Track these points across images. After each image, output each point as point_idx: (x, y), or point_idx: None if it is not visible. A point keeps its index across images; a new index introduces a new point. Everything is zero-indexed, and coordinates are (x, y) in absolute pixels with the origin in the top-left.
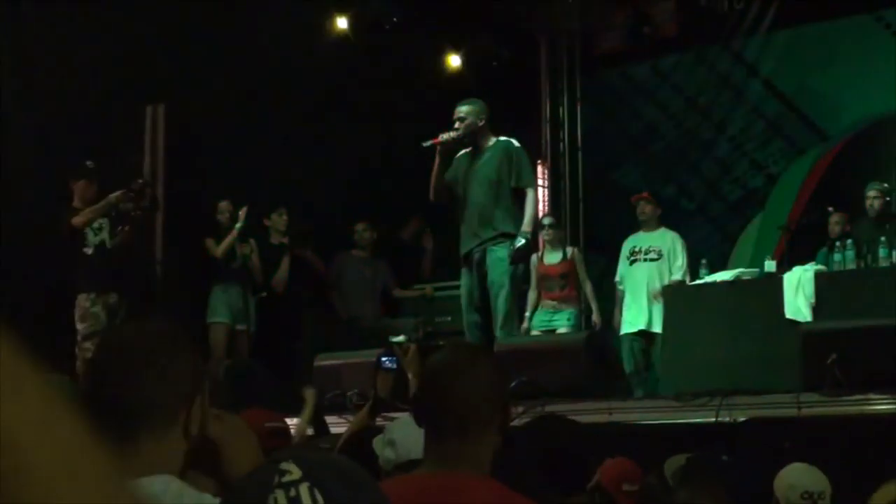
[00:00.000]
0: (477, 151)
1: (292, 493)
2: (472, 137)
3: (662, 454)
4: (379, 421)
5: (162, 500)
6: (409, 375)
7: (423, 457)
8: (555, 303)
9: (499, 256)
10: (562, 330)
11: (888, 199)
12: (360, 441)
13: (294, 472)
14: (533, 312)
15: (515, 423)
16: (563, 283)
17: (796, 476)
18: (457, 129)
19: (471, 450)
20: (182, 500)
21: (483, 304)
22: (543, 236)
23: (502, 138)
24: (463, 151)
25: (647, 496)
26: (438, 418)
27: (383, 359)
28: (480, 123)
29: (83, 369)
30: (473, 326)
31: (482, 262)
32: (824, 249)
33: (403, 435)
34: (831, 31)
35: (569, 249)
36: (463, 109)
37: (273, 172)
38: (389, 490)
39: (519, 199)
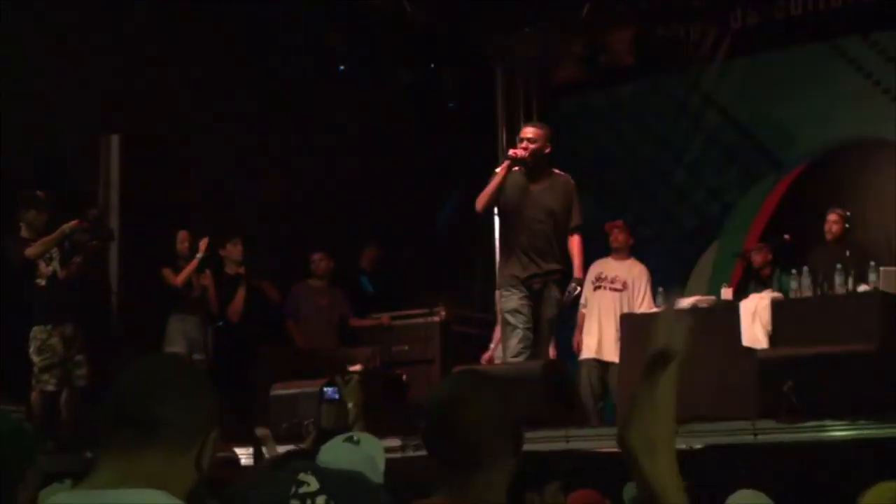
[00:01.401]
0: (535, 176)
1: None
2: (534, 161)
3: (620, 482)
4: None
5: None
6: (350, 405)
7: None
8: None
9: (556, 295)
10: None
11: (846, 225)
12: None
13: (311, 483)
14: (498, 343)
15: None
16: None
17: (742, 502)
18: (525, 150)
19: (483, 480)
20: None
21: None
22: None
23: (560, 172)
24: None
25: None
26: (446, 450)
27: (326, 389)
28: (547, 150)
29: (39, 401)
30: (528, 342)
31: (541, 292)
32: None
33: (332, 458)
34: (787, 60)
35: None
36: (531, 131)
37: (229, 202)
38: None
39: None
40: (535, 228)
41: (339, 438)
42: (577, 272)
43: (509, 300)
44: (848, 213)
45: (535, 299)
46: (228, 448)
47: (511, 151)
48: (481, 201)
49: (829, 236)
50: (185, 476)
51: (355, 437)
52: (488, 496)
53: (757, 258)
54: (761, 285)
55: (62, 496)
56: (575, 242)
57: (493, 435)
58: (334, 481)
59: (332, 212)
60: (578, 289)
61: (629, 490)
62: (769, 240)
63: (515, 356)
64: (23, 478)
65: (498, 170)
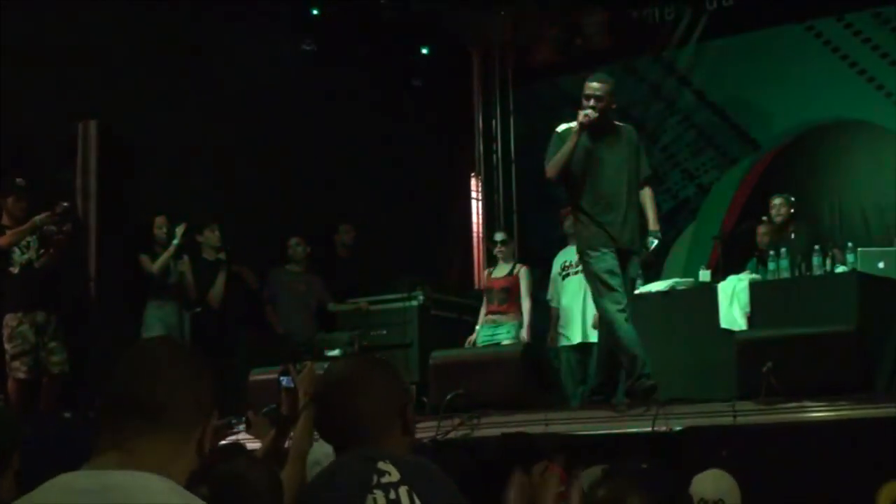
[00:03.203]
0: (602, 133)
1: (392, 495)
2: (602, 117)
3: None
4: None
5: (149, 495)
6: (300, 392)
7: None
8: (496, 316)
9: (638, 259)
10: (504, 342)
11: (792, 210)
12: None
13: (392, 473)
14: (482, 325)
15: (452, 434)
16: (504, 297)
17: (700, 483)
18: (594, 108)
19: None
20: (171, 498)
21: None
22: (496, 252)
23: (622, 124)
24: (570, 127)
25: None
26: (338, 431)
27: (281, 378)
28: (613, 106)
29: (14, 389)
30: (625, 306)
31: (628, 257)
32: (753, 259)
33: (326, 452)
34: (762, 41)
35: (517, 265)
36: (598, 87)
37: (206, 188)
38: None
39: None
40: (613, 189)
41: None
42: (652, 225)
43: (602, 260)
44: (792, 199)
45: (626, 261)
46: None
47: (582, 115)
48: (554, 169)
49: (778, 219)
50: (187, 461)
51: None
52: None
53: (764, 239)
54: (764, 266)
55: (67, 476)
56: (647, 194)
57: (379, 416)
58: (414, 472)
59: (309, 197)
60: (656, 241)
61: (589, 475)
62: (746, 221)
63: (611, 322)
64: (9, 460)
65: (561, 128)
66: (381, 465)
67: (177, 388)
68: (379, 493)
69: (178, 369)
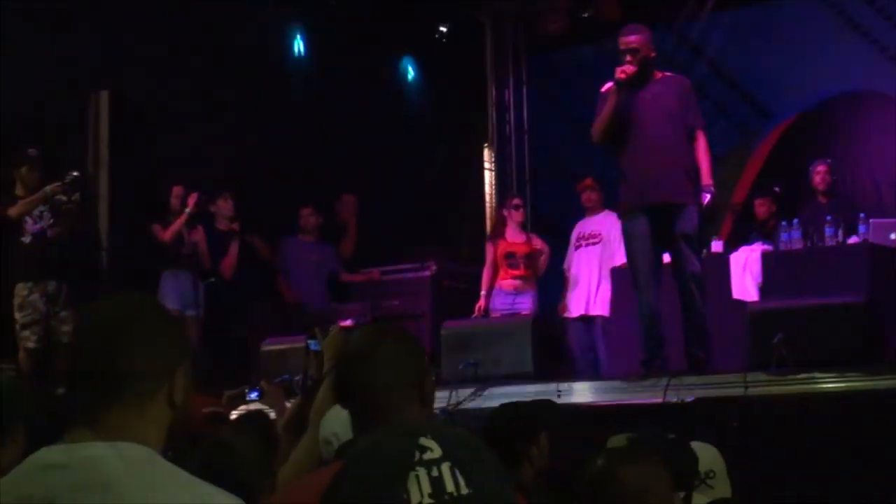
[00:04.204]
0: (645, 83)
1: (434, 472)
2: (642, 69)
3: (608, 434)
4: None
5: (126, 465)
6: (325, 357)
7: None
8: (518, 282)
9: (692, 209)
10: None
11: (834, 177)
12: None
13: (434, 449)
14: (489, 291)
15: (464, 405)
16: (528, 262)
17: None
18: (631, 63)
19: None
20: (142, 468)
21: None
22: (516, 215)
23: (672, 74)
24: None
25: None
26: (358, 399)
27: (309, 342)
28: (653, 55)
29: (25, 359)
30: (654, 276)
31: (670, 211)
32: (753, 233)
33: (334, 431)
34: (775, 12)
35: (531, 235)
36: (633, 39)
37: (218, 158)
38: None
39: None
40: (657, 138)
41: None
42: (705, 178)
43: (630, 223)
44: (836, 166)
45: (663, 219)
46: (216, 403)
47: (618, 72)
48: (596, 132)
49: (821, 187)
50: (160, 418)
51: None
52: None
53: (761, 210)
54: (765, 238)
55: (42, 452)
56: (699, 145)
57: (395, 386)
58: (456, 448)
59: (322, 167)
60: (708, 196)
61: (614, 443)
62: (762, 191)
63: (645, 292)
64: (12, 434)
65: (606, 86)
66: (423, 440)
67: (135, 353)
68: (421, 471)
69: (137, 332)
